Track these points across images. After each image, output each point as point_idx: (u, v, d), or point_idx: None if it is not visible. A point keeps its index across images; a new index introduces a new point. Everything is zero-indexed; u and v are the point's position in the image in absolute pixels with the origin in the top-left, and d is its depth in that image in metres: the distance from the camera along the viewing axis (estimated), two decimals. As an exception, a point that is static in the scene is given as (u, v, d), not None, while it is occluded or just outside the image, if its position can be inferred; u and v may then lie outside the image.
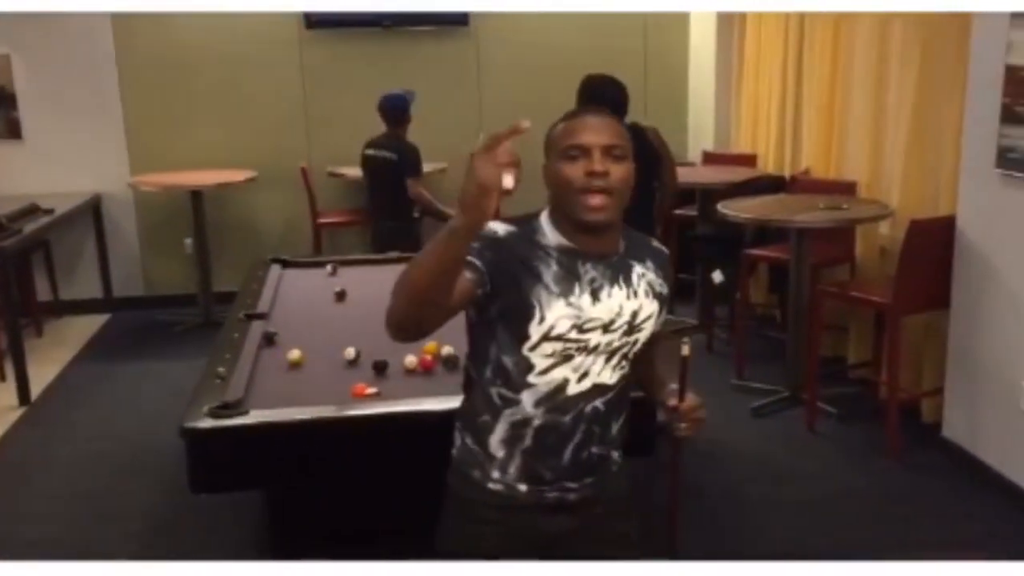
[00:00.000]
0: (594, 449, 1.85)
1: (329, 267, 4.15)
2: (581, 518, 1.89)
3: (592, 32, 6.54)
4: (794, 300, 4.56)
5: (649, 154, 4.14)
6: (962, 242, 3.82)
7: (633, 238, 1.91)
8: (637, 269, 1.86)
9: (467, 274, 1.67)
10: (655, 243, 1.98)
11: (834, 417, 4.35)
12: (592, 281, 1.78)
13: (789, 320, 4.66)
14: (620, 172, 1.75)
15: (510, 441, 1.82)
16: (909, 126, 4.34)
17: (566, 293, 1.75)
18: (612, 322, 1.79)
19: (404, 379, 2.79)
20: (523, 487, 1.84)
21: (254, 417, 2.49)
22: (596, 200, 1.72)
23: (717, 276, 5.23)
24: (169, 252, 6.51)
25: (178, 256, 6.47)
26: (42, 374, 5.20)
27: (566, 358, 1.78)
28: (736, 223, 4.60)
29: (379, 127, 5.29)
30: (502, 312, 1.76)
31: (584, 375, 1.80)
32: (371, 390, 2.64)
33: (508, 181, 1.44)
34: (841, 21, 5.00)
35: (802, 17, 5.37)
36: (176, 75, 6.29)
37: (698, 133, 6.73)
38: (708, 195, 5.30)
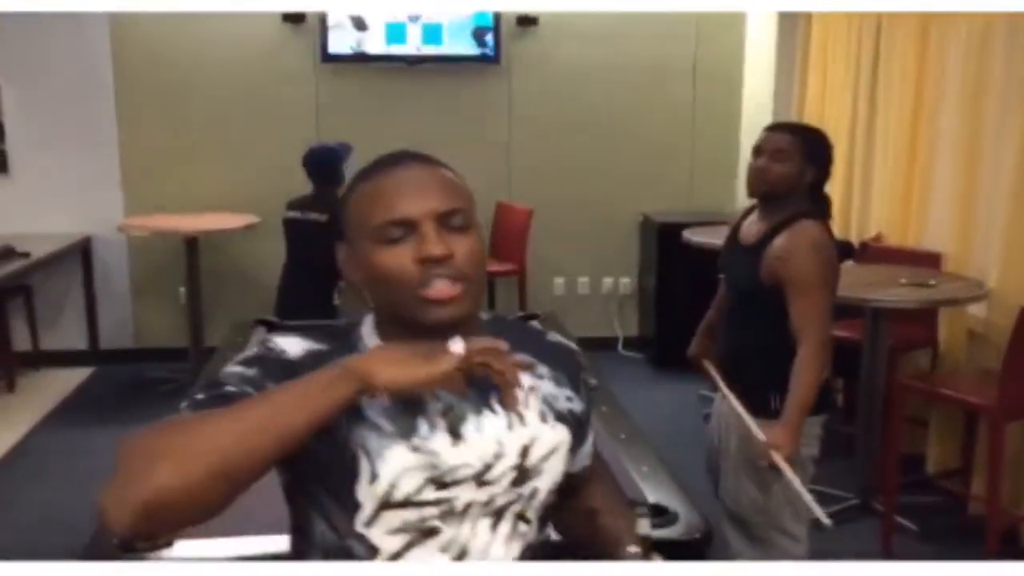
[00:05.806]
0: None
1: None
2: None
3: (635, 76, 5.99)
4: (867, 391, 3.85)
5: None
6: (1085, 335, 3.12)
7: (511, 334, 1.21)
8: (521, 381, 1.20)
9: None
10: (554, 336, 1.34)
11: (913, 534, 3.63)
12: (447, 410, 1.17)
13: (859, 414, 3.96)
14: (467, 247, 1.15)
15: None
16: (1012, 188, 3.65)
17: (406, 432, 1.14)
18: (489, 468, 1.17)
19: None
20: None
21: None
22: (441, 288, 1.13)
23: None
24: (163, 301, 5.94)
25: (173, 306, 5.90)
26: (5, 438, 4.62)
27: (426, 533, 1.15)
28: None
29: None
30: (316, 473, 1.15)
31: (461, 554, 1.16)
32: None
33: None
34: (925, 53, 4.25)
35: (877, 47, 4.62)
36: (178, 110, 5.77)
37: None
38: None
